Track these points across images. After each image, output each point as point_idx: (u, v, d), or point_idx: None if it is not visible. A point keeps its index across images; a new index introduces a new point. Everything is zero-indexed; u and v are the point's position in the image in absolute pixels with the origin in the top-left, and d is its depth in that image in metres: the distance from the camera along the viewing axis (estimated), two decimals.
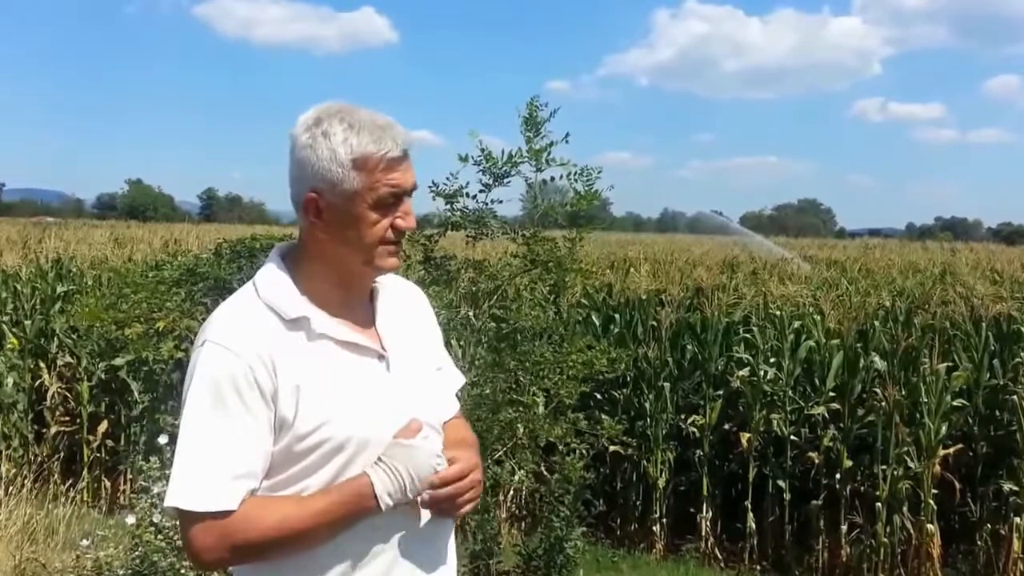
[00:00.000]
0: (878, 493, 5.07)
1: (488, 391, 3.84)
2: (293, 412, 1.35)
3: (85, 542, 3.76)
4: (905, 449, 5.06)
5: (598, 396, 5.80)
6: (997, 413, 5.39)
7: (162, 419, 4.53)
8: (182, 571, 3.10)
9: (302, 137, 1.39)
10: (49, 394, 6.39)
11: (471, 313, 4.00)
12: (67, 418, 6.45)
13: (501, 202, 3.85)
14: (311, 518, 1.33)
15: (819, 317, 5.87)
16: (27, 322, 6.72)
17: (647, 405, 5.72)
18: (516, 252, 4.04)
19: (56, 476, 6.18)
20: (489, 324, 4.06)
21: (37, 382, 6.48)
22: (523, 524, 5.64)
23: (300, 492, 1.37)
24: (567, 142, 3.76)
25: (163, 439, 3.34)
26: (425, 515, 1.44)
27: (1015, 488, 5.02)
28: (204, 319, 1.47)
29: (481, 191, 3.82)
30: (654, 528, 5.65)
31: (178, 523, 1.42)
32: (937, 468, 5.04)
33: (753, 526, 5.41)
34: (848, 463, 5.23)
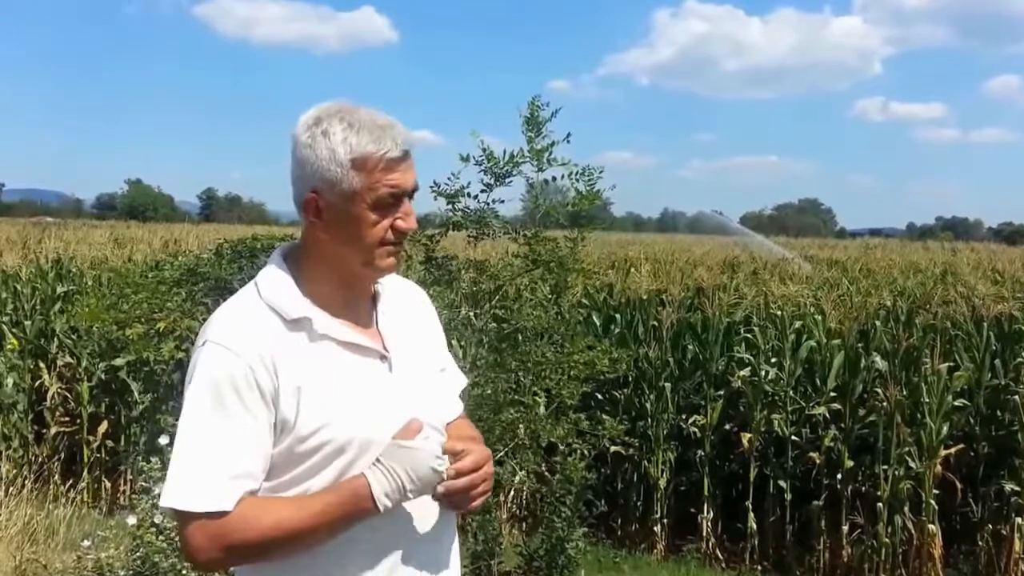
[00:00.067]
0: (879, 493, 5.07)
1: (489, 391, 3.83)
2: (294, 413, 1.34)
3: (86, 543, 3.75)
4: (906, 449, 5.05)
5: (599, 396, 5.79)
6: (998, 413, 5.38)
7: (163, 419, 4.53)
8: (183, 572, 3.09)
9: (302, 136, 1.38)
10: (49, 394, 6.38)
11: (472, 313, 3.99)
12: (67, 419, 6.44)
13: (503, 202, 3.84)
14: (308, 519, 1.32)
15: (820, 317, 5.86)
16: (27, 322, 6.72)
17: (648, 405, 5.71)
18: (518, 252, 4.03)
19: (56, 477, 6.17)
20: (490, 324, 4.05)
21: (37, 382, 6.47)
22: (524, 524, 5.64)
23: (302, 494, 1.36)
24: (568, 142, 3.76)
25: (164, 440, 3.34)
26: (428, 518, 1.43)
27: (1016, 488, 5.01)
28: (205, 319, 1.47)
29: (483, 191, 3.81)
30: (655, 528, 5.65)
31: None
32: (938, 468, 5.04)
33: (754, 526, 5.40)
34: (849, 463, 5.22)
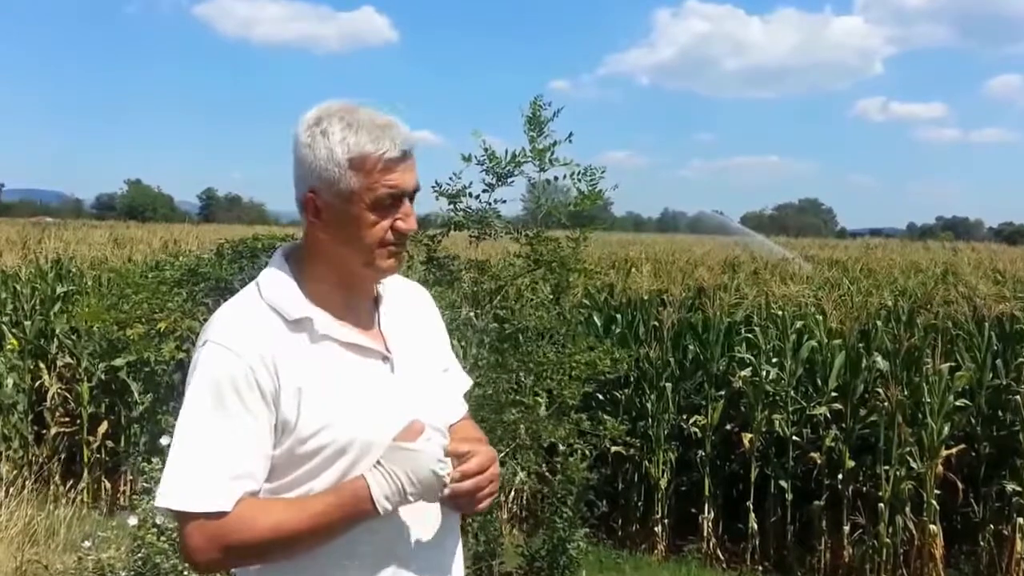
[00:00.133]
0: (880, 493, 5.06)
1: (491, 392, 3.82)
2: (295, 414, 1.33)
3: (87, 544, 3.74)
4: (907, 449, 5.05)
5: (600, 397, 5.79)
6: (1000, 413, 5.38)
7: (163, 420, 4.52)
8: (185, 573, 3.08)
9: (303, 136, 1.38)
10: (49, 395, 6.37)
11: (473, 314, 3.98)
12: (67, 419, 6.43)
13: (504, 202, 3.83)
14: (308, 520, 1.31)
15: (821, 317, 5.85)
16: (27, 323, 6.71)
17: (649, 405, 5.71)
18: (519, 252, 4.02)
19: (56, 477, 6.17)
20: (491, 325, 4.04)
21: (37, 383, 6.46)
22: (526, 525, 5.64)
23: (304, 495, 1.35)
24: (571, 142, 3.74)
25: (165, 440, 3.33)
26: (431, 521, 1.42)
27: (1018, 488, 5.01)
28: (205, 320, 1.46)
29: (484, 191, 3.80)
30: (656, 529, 5.64)
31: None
32: (940, 468, 5.03)
33: (755, 527, 5.40)
34: (850, 463, 5.21)
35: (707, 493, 5.55)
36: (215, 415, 1.31)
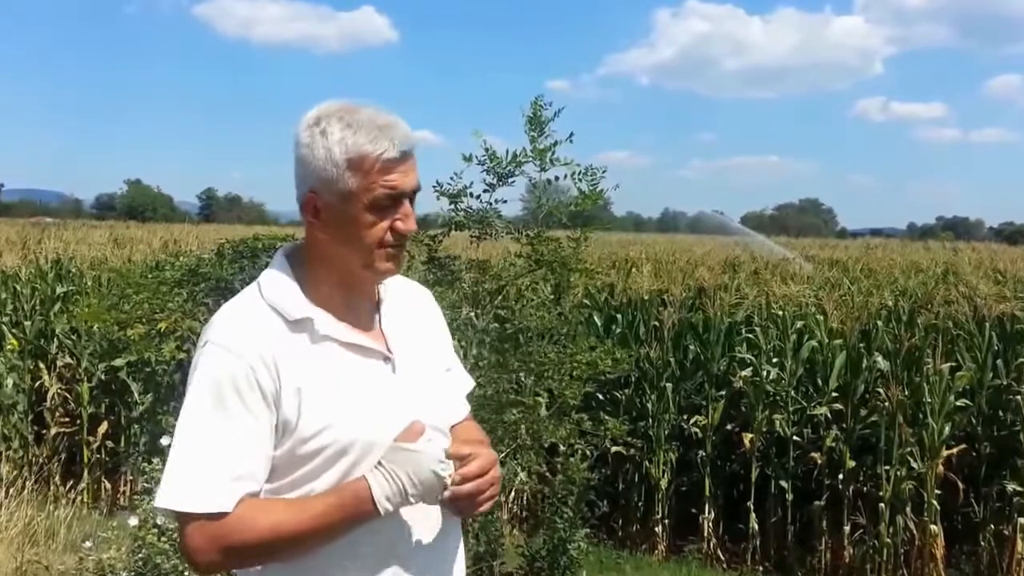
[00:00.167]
0: (881, 494, 5.06)
1: (491, 392, 3.82)
2: (296, 415, 1.33)
3: (87, 544, 3.74)
4: (908, 449, 5.04)
5: (600, 397, 5.78)
6: (1001, 413, 5.37)
7: (163, 420, 4.52)
8: (185, 573, 3.08)
9: (302, 136, 1.37)
10: (49, 395, 6.37)
11: (474, 314, 3.98)
12: (67, 419, 6.42)
13: (505, 202, 3.82)
14: (309, 521, 1.31)
15: (822, 317, 5.85)
16: (27, 323, 6.71)
17: (649, 406, 5.70)
18: (520, 252, 4.02)
19: (56, 478, 6.16)
20: (492, 325, 4.04)
21: (37, 383, 6.45)
22: (526, 525, 5.63)
23: (305, 496, 1.35)
24: (571, 142, 3.74)
25: (165, 440, 3.33)
26: (432, 523, 1.42)
27: (1019, 488, 5.00)
28: (206, 320, 1.46)
29: (485, 191, 3.80)
30: (656, 529, 5.63)
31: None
32: (940, 468, 5.03)
33: (755, 527, 5.39)
34: (851, 463, 5.21)
35: (708, 493, 5.55)
36: (216, 415, 1.31)
